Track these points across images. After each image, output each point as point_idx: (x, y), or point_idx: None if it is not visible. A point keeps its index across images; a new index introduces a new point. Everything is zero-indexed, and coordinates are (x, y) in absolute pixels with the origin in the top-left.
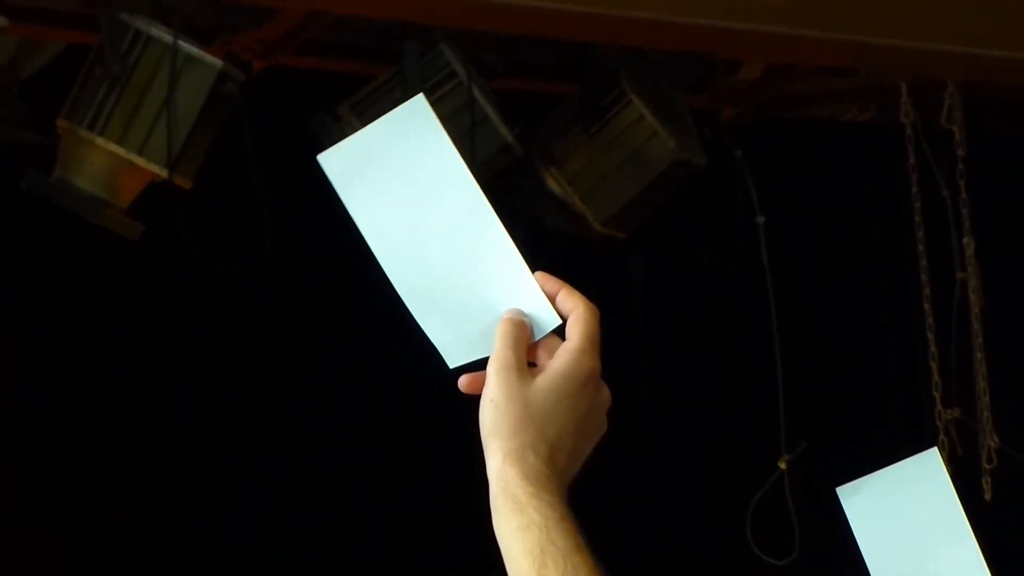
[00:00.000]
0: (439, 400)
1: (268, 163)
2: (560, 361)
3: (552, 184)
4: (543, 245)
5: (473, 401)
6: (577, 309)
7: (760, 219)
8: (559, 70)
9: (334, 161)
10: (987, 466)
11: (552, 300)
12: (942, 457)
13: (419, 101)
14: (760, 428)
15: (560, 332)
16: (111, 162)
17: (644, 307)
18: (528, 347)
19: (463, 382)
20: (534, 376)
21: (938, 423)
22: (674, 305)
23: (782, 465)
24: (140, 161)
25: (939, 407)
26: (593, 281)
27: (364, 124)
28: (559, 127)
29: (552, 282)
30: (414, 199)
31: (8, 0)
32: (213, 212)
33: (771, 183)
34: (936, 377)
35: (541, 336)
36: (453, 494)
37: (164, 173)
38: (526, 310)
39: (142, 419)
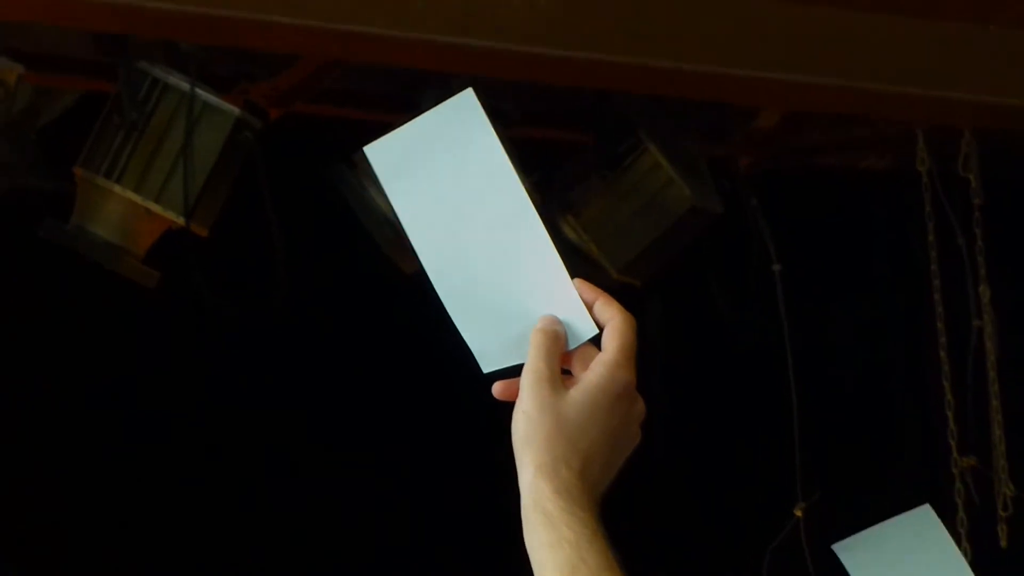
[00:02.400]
0: (459, 442)
1: (284, 210)
2: (595, 373)
3: (568, 232)
4: None
5: (505, 412)
6: (614, 319)
7: (776, 267)
8: (576, 118)
9: (380, 154)
10: (1003, 513)
11: (589, 308)
12: (935, 513)
13: (468, 94)
14: (776, 475)
15: (596, 341)
16: (128, 210)
17: (660, 354)
18: (563, 355)
19: (497, 388)
20: (568, 387)
21: (954, 470)
22: (690, 352)
23: (798, 512)
24: (157, 209)
25: (955, 455)
26: None
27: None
28: (576, 175)
29: (590, 290)
30: (458, 195)
31: (25, 48)
32: (229, 259)
33: (787, 231)
34: (952, 425)
35: (577, 345)
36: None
37: (181, 220)
38: (563, 317)
39: (161, 465)
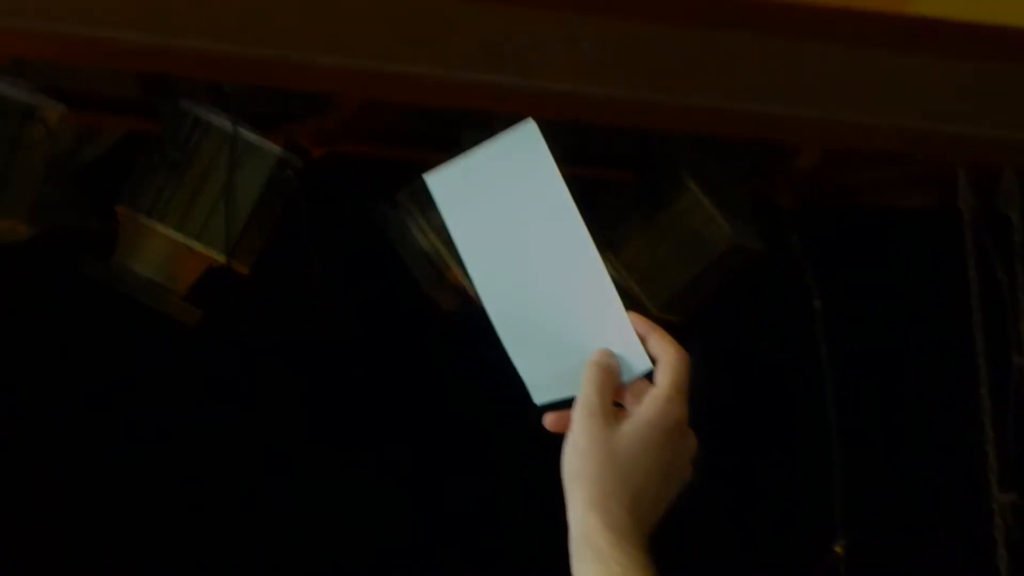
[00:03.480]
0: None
1: (325, 249)
2: (647, 408)
3: (609, 269)
4: None
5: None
6: (668, 354)
7: (817, 304)
8: (617, 157)
9: (440, 183)
10: None
11: (643, 342)
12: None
13: (529, 125)
14: (816, 512)
15: (649, 375)
16: (170, 248)
17: (700, 391)
18: (616, 389)
19: (548, 420)
20: (620, 421)
21: (994, 507)
22: (730, 390)
23: (838, 549)
24: (199, 247)
25: (995, 491)
26: None
27: (423, 212)
28: (617, 213)
29: (644, 324)
30: (516, 226)
31: (68, 87)
32: (270, 298)
33: (828, 269)
34: (992, 461)
35: (630, 379)
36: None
37: (222, 259)
38: (617, 351)
39: (200, 505)
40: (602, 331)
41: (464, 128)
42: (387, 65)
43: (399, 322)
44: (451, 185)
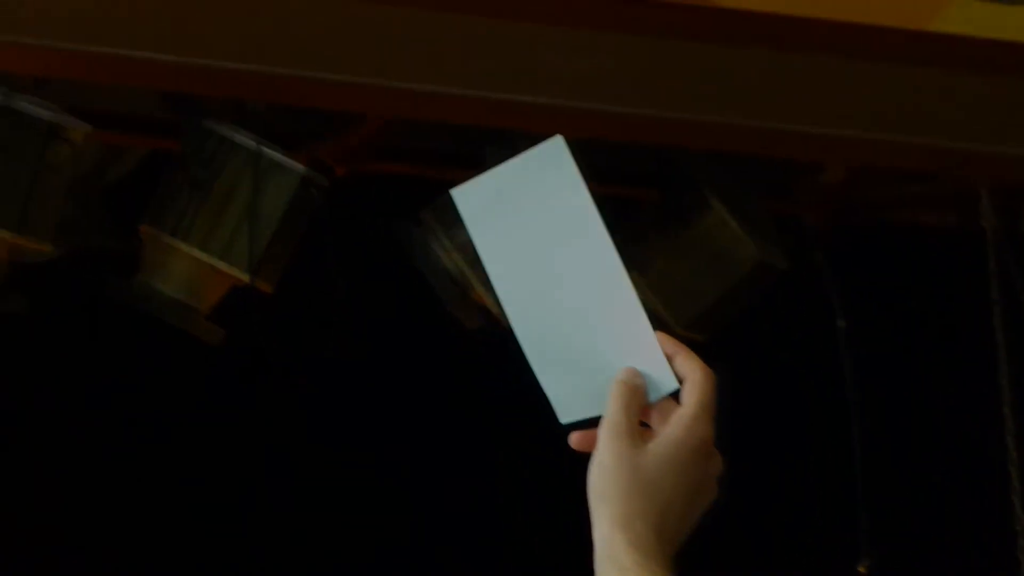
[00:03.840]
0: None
1: (349, 268)
2: (673, 428)
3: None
4: None
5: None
6: (694, 374)
7: (841, 323)
8: (640, 175)
9: (467, 198)
10: None
11: (669, 362)
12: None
13: (557, 141)
14: (840, 532)
15: (675, 395)
16: (194, 267)
17: (724, 410)
18: (642, 408)
19: (574, 439)
20: (646, 441)
21: (1017, 528)
22: (755, 408)
23: (862, 569)
24: (223, 266)
25: (1019, 512)
26: None
27: (446, 230)
28: (641, 231)
29: (671, 343)
30: (543, 242)
31: (92, 107)
32: (293, 316)
33: (852, 287)
34: (1016, 482)
35: (657, 399)
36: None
37: (246, 278)
38: (644, 370)
39: (223, 526)
40: (629, 350)
41: (487, 146)
42: (410, 84)
43: (422, 340)
44: (477, 200)
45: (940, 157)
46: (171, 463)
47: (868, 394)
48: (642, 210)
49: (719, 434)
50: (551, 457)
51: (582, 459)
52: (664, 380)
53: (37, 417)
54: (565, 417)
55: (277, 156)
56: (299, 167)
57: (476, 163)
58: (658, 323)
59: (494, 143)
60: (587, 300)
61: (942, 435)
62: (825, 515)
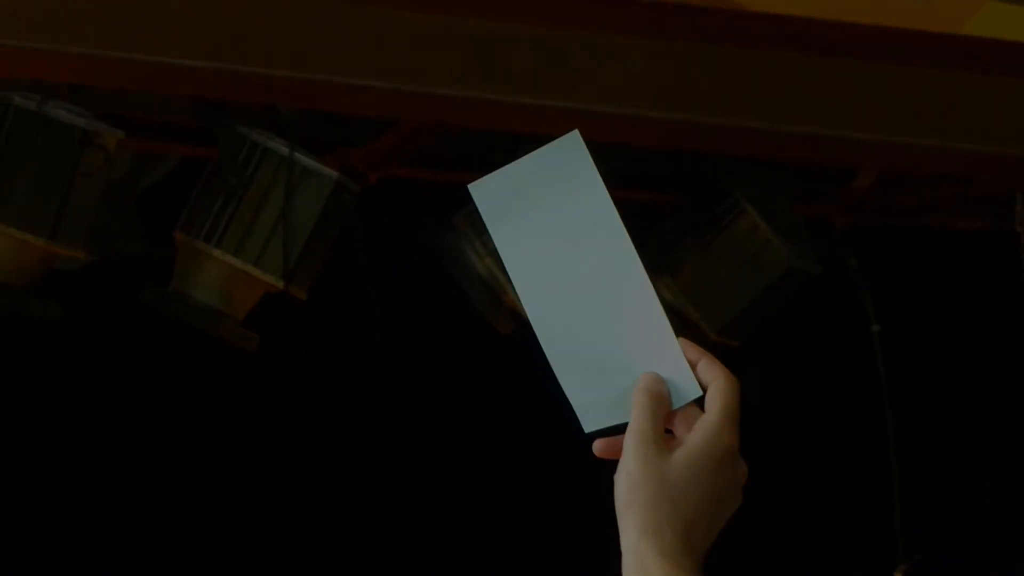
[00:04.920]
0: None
1: (382, 274)
2: (699, 436)
3: (665, 293)
4: None
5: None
6: (718, 380)
7: (875, 327)
8: (672, 180)
9: (484, 193)
10: None
11: (692, 368)
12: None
13: (574, 136)
14: (876, 537)
15: (698, 401)
16: (227, 273)
17: (757, 415)
18: (666, 415)
19: (598, 447)
20: (672, 449)
21: None
22: (788, 412)
23: (898, 574)
24: (256, 273)
25: None
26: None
27: (479, 235)
28: (673, 236)
29: (693, 349)
30: (562, 240)
31: (125, 114)
32: (327, 322)
33: (886, 291)
34: None
35: (680, 405)
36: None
37: (280, 284)
38: (667, 376)
39: (256, 531)
40: (652, 355)
41: (519, 151)
42: (443, 89)
43: (455, 346)
44: (494, 194)
45: (973, 161)
46: (205, 470)
47: (902, 397)
48: (675, 215)
49: (751, 439)
50: (582, 465)
51: (609, 467)
52: (687, 386)
53: (69, 423)
54: (589, 426)
55: (310, 162)
56: (332, 173)
57: None
58: (691, 328)
59: (526, 148)
60: (609, 302)
61: (978, 439)
62: (861, 518)
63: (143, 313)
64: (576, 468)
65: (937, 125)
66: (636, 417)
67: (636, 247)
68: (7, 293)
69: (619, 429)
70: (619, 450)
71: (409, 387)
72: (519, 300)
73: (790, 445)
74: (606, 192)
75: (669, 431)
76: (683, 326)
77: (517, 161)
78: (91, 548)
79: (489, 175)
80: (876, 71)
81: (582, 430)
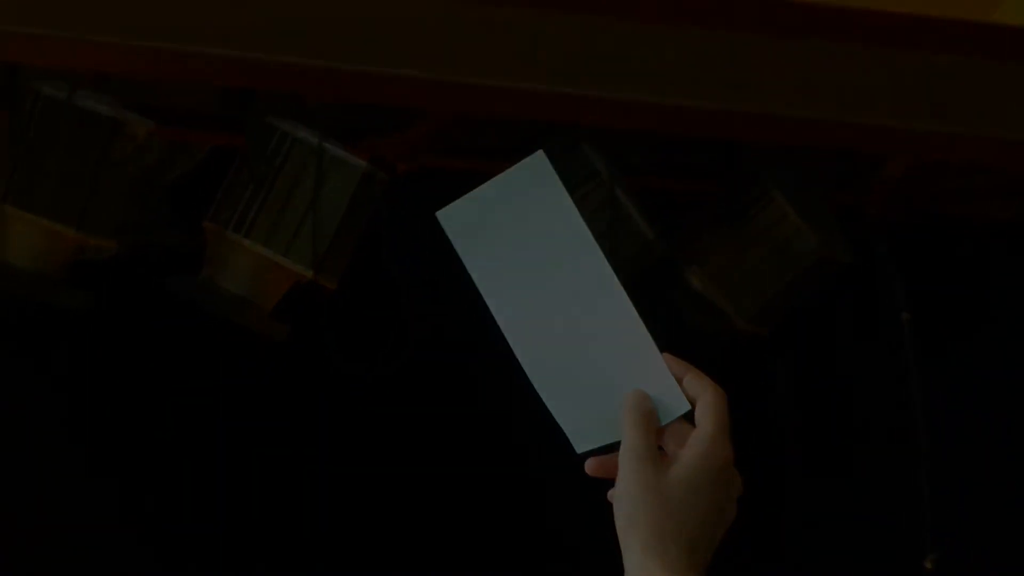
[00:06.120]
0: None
1: (411, 264)
2: (695, 451)
3: (694, 281)
4: (683, 343)
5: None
6: (706, 394)
7: (905, 316)
8: (701, 168)
9: (452, 219)
10: None
11: (678, 382)
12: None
13: (539, 157)
14: (905, 527)
15: (686, 415)
16: (257, 263)
17: (788, 404)
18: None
19: (590, 466)
20: (668, 465)
21: None
22: (817, 402)
23: (928, 565)
24: (286, 262)
25: None
26: (736, 378)
27: None
28: (702, 225)
29: (677, 364)
30: (535, 261)
31: (154, 104)
32: (355, 313)
33: (916, 279)
34: None
35: (668, 421)
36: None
37: (310, 274)
38: (654, 393)
39: (283, 523)
40: (637, 373)
41: (548, 140)
42: (472, 78)
43: (484, 335)
44: (463, 220)
45: (1004, 149)
46: (234, 458)
47: (933, 386)
48: (704, 203)
49: (779, 429)
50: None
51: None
52: (675, 402)
53: (101, 411)
54: (581, 447)
55: (339, 152)
56: (361, 163)
57: None
58: (719, 316)
59: (556, 137)
60: (589, 321)
61: (1009, 428)
62: (890, 509)
63: (172, 302)
64: (580, 470)
65: (966, 113)
66: (629, 436)
67: (610, 262)
68: (38, 282)
69: (609, 447)
70: (611, 468)
71: (436, 377)
72: (499, 326)
73: (818, 434)
74: (576, 211)
75: (659, 447)
76: (711, 314)
77: (484, 185)
78: (107, 532)
79: (456, 201)
80: (904, 58)
81: (574, 451)
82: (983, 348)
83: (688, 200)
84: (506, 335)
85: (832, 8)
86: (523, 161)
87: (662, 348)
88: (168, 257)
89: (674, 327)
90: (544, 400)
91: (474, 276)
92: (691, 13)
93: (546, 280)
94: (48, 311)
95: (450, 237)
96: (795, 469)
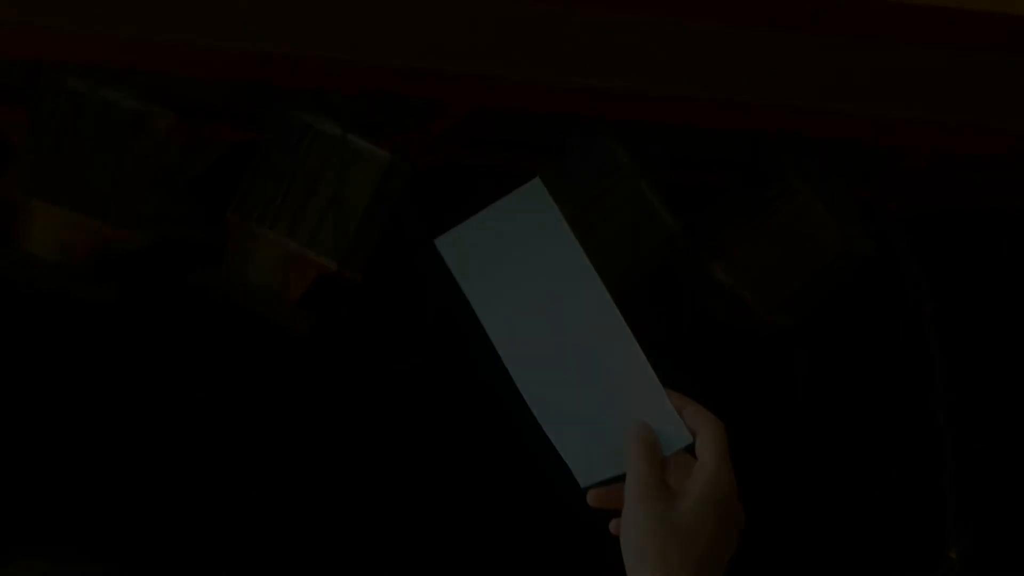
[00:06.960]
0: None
1: (434, 257)
2: (700, 483)
3: (718, 274)
4: (707, 336)
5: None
6: (706, 426)
7: (927, 309)
8: (724, 161)
9: (451, 247)
10: None
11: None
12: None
13: (536, 184)
14: (929, 518)
15: (687, 447)
16: (281, 255)
17: (808, 397)
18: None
19: (593, 498)
20: (673, 496)
21: None
22: (840, 395)
23: (952, 555)
24: (310, 254)
25: None
26: (757, 372)
27: None
28: (725, 218)
29: (677, 397)
30: (534, 291)
31: (177, 97)
32: (379, 306)
33: (938, 273)
34: None
35: (670, 453)
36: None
37: (334, 265)
38: (655, 425)
39: (309, 513)
40: (639, 405)
41: (571, 133)
42: (496, 71)
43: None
44: (461, 248)
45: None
46: (261, 451)
47: (956, 379)
48: (726, 196)
49: (798, 423)
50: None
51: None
52: (677, 434)
53: (127, 404)
54: (586, 481)
55: (362, 145)
56: (384, 155)
57: (559, 151)
58: (743, 309)
59: (579, 130)
60: (589, 352)
61: None
62: (914, 500)
63: (197, 295)
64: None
65: (988, 106)
66: (634, 468)
67: (610, 291)
68: (62, 274)
69: (612, 481)
70: (615, 500)
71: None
72: (500, 356)
73: (840, 427)
74: (574, 239)
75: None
76: (735, 307)
77: (481, 212)
78: (139, 522)
79: (454, 228)
80: (925, 51)
81: (577, 485)
82: (1006, 341)
83: (712, 193)
84: (508, 367)
85: (855, 0)
86: (520, 188)
87: (665, 380)
88: (191, 250)
89: (698, 319)
90: (547, 434)
91: (473, 305)
92: (715, 6)
93: (546, 310)
94: (72, 303)
95: (449, 266)
96: (814, 461)
